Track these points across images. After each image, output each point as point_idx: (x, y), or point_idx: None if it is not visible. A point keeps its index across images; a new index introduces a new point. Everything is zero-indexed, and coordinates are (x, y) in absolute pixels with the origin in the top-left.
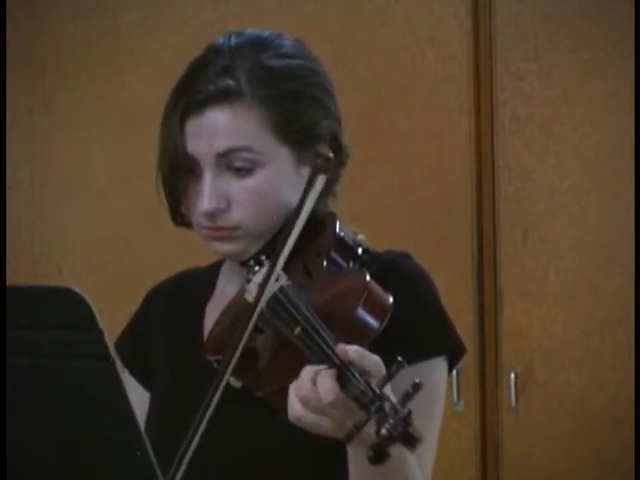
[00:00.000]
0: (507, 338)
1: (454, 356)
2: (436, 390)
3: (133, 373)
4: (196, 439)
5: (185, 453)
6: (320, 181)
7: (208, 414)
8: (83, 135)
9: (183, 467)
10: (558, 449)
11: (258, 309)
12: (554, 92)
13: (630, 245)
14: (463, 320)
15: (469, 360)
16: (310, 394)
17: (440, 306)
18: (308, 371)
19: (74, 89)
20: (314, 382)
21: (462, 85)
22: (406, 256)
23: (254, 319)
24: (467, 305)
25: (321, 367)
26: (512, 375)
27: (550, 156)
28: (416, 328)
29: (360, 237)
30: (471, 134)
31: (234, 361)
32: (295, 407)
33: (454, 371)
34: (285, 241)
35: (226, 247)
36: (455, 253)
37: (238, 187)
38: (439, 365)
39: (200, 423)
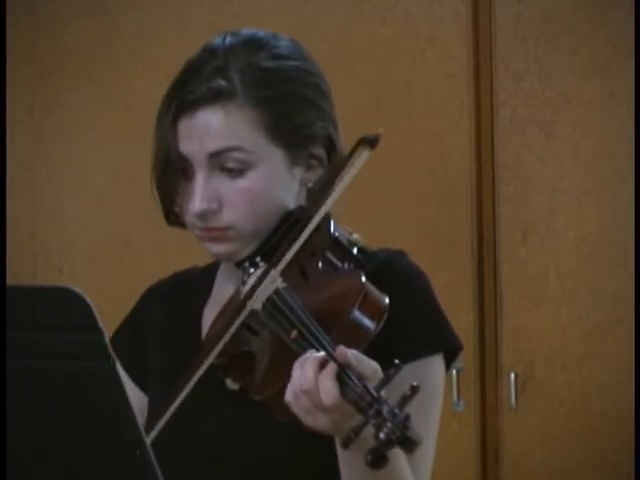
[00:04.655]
0: (507, 338)
1: (451, 353)
2: (434, 388)
3: (128, 373)
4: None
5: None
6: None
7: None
8: (83, 135)
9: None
10: (558, 449)
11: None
12: (554, 92)
13: (630, 245)
14: (463, 320)
15: (469, 360)
16: (312, 390)
17: (435, 303)
18: (311, 365)
19: (74, 89)
20: (316, 379)
21: (462, 85)
22: (401, 254)
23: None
24: (467, 305)
25: (317, 356)
26: (512, 375)
27: (550, 156)
28: (412, 326)
29: (355, 236)
30: (471, 134)
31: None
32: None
33: (454, 371)
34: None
35: (219, 248)
36: (455, 253)
37: (230, 188)
38: (436, 363)
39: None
